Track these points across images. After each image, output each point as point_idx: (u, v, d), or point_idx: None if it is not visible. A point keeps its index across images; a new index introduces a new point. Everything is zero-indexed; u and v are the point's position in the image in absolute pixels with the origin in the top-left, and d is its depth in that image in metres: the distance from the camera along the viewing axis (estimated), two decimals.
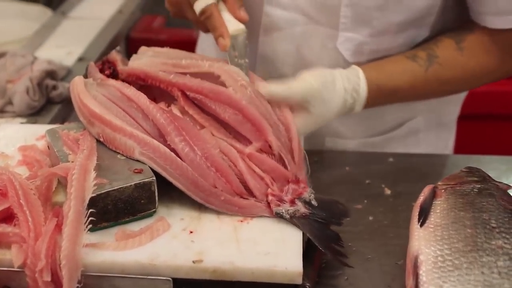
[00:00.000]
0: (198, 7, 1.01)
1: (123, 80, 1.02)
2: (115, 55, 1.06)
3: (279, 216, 0.88)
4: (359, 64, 1.06)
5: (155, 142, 0.89)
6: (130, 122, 0.92)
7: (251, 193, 0.90)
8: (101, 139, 0.93)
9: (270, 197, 0.89)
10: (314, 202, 0.90)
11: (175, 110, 0.97)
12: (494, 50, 1.06)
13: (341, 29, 1.08)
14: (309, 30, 1.11)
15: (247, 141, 0.94)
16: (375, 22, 1.06)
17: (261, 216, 0.88)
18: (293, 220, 0.87)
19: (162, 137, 0.90)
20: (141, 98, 0.93)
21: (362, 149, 1.22)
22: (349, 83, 1.02)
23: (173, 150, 0.88)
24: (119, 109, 0.94)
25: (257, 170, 0.91)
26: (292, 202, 0.90)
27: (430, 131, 1.26)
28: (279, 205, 0.89)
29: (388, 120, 1.21)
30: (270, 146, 0.92)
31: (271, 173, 0.92)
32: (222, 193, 0.88)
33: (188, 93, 0.97)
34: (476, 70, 1.07)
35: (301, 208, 0.89)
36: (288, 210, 0.88)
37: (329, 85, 1.00)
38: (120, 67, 1.04)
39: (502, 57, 1.06)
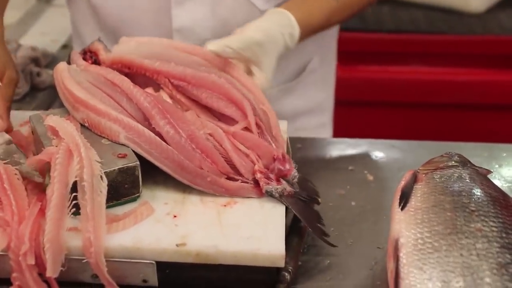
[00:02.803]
0: None
1: None
2: (97, 45, 1.06)
3: (269, 194, 0.89)
4: None
5: (140, 126, 0.89)
6: (114, 106, 0.92)
7: (237, 172, 0.90)
8: (86, 124, 0.93)
9: (258, 175, 0.89)
10: (296, 184, 0.91)
11: (164, 96, 0.98)
12: None
13: None
14: None
15: (232, 122, 0.95)
16: None
17: (245, 199, 0.89)
18: (282, 199, 0.88)
19: (146, 121, 0.90)
20: (125, 83, 0.94)
21: (281, 95, 1.29)
22: (285, 29, 1.06)
23: (158, 133, 0.88)
24: (104, 94, 0.94)
25: (242, 148, 0.92)
26: (278, 181, 0.90)
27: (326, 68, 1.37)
28: (268, 183, 0.89)
29: (292, 63, 1.29)
30: (257, 126, 0.93)
31: (256, 149, 0.92)
32: (208, 174, 0.88)
33: (172, 80, 0.97)
34: None
35: (286, 186, 0.89)
36: (277, 188, 0.89)
37: (270, 34, 1.04)
38: (103, 56, 1.04)
39: None
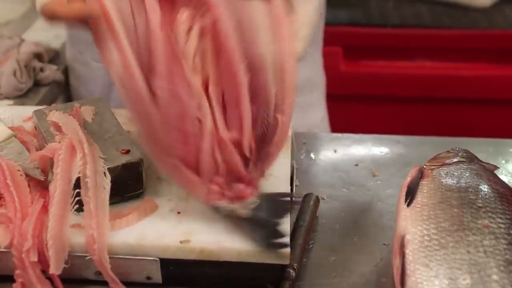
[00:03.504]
0: None
1: None
2: None
3: (214, 209, 0.82)
4: None
5: (137, 74, 0.76)
6: (129, 28, 0.77)
7: (197, 171, 0.81)
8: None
9: (213, 186, 0.81)
10: (252, 208, 0.82)
11: (195, 31, 0.80)
12: None
13: None
14: None
15: (235, 119, 0.81)
16: None
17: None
18: (227, 218, 0.82)
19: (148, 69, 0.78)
20: (154, 14, 0.78)
21: None
22: None
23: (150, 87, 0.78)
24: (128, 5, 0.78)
25: (218, 157, 0.80)
26: (232, 201, 0.82)
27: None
28: (219, 199, 0.81)
29: None
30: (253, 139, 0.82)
31: (227, 164, 0.81)
32: (173, 157, 0.80)
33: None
34: None
35: (238, 209, 0.81)
36: (226, 207, 0.81)
37: None
38: None
39: None
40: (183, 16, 0.80)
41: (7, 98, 1.26)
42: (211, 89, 0.79)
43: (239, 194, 0.82)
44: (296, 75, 0.79)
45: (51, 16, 0.77)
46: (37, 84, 1.32)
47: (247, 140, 0.80)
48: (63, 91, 1.40)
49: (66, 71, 1.40)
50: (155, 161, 0.82)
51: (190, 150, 0.80)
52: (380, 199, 0.99)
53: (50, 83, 1.33)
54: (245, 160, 0.82)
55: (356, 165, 1.07)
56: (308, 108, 1.39)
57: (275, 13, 0.79)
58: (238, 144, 0.81)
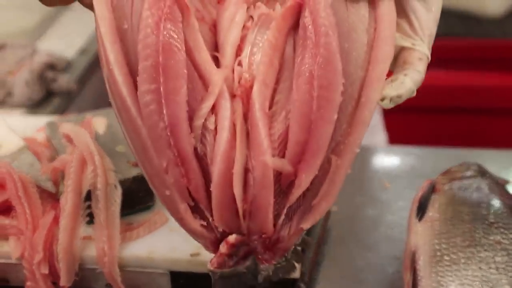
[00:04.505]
0: None
1: None
2: None
3: (209, 272, 0.61)
4: None
5: (122, 76, 0.57)
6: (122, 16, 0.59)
7: (205, 208, 0.58)
8: None
9: (222, 248, 0.58)
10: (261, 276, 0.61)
11: (241, 16, 0.61)
12: None
13: None
14: None
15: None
16: None
17: None
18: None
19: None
20: None
21: None
22: None
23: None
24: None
25: (237, 190, 0.56)
26: (237, 263, 0.59)
27: None
28: (219, 266, 0.59)
29: None
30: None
31: (255, 208, 0.57)
32: (172, 186, 0.57)
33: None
34: None
35: (242, 271, 0.59)
36: (223, 272, 0.60)
37: None
38: None
39: None
40: None
41: (20, 107, 1.27)
42: (257, 89, 0.56)
43: (248, 253, 0.59)
44: (374, 110, 0.59)
45: None
46: (49, 93, 1.33)
47: (305, 177, 0.56)
48: (76, 101, 1.40)
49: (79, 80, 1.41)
50: (152, 189, 0.60)
51: (194, 176, 0.57)
52: (391, 211, 0.98)
53: (63, 92, 1.33)
54: (278, 208, 0.58)
55: (368, 176, 1.07)
56: None
57: (379, 29, 0.60)
58: (277, 179, 0.57)
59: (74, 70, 1.44)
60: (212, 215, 0.58)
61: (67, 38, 1.59)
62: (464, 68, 2.19)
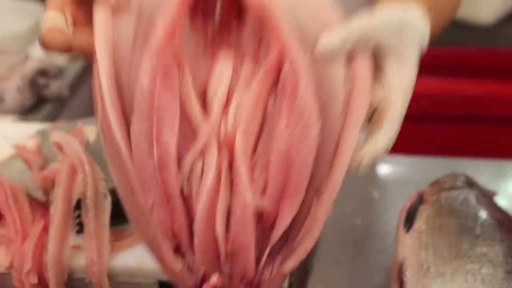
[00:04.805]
0: None
1: None
2: None
3: None
4: None
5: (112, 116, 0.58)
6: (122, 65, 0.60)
7: (189, 248, 0.59)
8: None
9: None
10: None
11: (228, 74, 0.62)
12: None
13: None
14: None
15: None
16: None
17: None
18: None
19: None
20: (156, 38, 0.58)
21: None
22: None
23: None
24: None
25: (219, 230, 0.58)
26: None
27: None
28: None
29: None
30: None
31: (236, 249, 0.58)
32: (156, 225, 0.59)
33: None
34: None
35: None
36: None
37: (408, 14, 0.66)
38: None
39: None
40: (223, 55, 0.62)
41: (11, 113, 1.27)
42: (239, 137, 0.58)
43: None
44: (350, 158, 0.62)
45: (45, 46, 0.67)
46: (41, 99, 1.33)
47: (286, 216, 0.58)
48: (68, 107, 1.41)
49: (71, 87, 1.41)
50: (135, 229, 0.63)
51: (178, 218, 0.58)
52: (381, 221, 0.99)
53: (54, 98, 1.34)
54: (261, 248, 0.59)
55: (356, 185, 1.07)
56: None
57: (355, 84, 0.61)
58: (259, 220, 0.58)
59: (66, 77, 1.44)
60: (194, 255, 0.59)
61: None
62: (455, 76, 2.20)
